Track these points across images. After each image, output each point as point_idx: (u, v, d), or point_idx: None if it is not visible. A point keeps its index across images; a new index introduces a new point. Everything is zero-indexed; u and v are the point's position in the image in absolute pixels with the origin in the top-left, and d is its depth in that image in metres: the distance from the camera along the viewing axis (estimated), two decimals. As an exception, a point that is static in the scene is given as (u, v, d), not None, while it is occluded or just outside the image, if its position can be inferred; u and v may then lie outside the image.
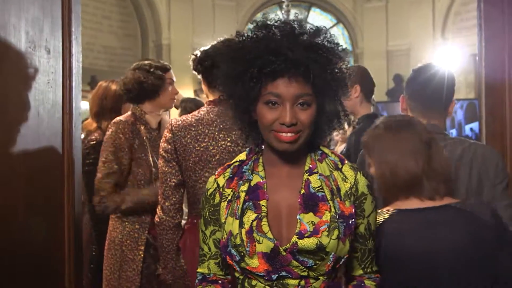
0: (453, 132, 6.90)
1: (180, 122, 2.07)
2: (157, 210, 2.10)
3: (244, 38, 1.24)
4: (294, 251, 1.20)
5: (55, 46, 1.58)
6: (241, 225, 1.24)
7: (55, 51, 1.59)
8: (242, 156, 1.35)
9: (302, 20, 1.27)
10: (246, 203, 1.26)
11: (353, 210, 1.25)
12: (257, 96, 1.22)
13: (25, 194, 1.44)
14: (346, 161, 1.31)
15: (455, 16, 10.31)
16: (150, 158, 2.46)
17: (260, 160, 1.32)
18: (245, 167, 1.32)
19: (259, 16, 12.23)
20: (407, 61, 10.10)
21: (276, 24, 1.23)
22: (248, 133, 1.32)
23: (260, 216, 1.24)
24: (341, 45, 1.27)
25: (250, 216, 1.24)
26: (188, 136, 2.03)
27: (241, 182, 1.30)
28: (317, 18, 12.54)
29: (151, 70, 2.53)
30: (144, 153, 2.46)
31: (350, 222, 1.24)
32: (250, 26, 1.26)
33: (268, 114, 1.21)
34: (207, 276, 1.38)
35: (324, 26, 1.26)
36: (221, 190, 1.31)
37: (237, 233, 1.23)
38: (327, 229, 1.21)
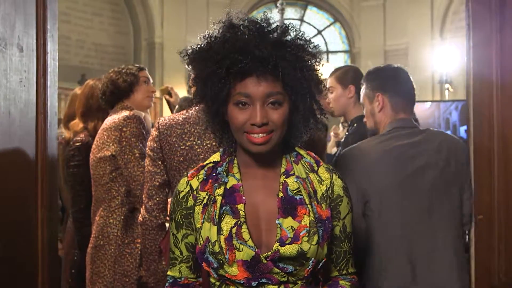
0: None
1: (167, 120, 2.04)
2: (141, 209, 2.07)
3: (211, 38, 1.21)
4: (275, 258, 1.18)
5: (28, 44, 1.53)
6: (219, 231, 1.20)
7: (29, 49, 1.54)
8: (216, 157, 1.30)
9: (271, 18, 1.23)
10: (223, 208, 1.22)
11: (329, 213, 1.23)
12: (226, 97, 1.18)
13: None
14: (322, 163, 1.29)
15: (453, 15, 10.28)
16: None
17: (235, 161, 1.28)
18: (219, 168, 1.28)
19: (254, 15, 12.21)
20: (405, 61, 10.10)
21: (243, 23, 1.20)
22: (221, 136, 1.28)
23: (239, 222, 1.20)
24: (313, 43, 1.23)
25: (228, 222, 1.20)
26: (174, 135, 2.00)
27: (216, 184, 1.25)
28: (313, 16, 12.52)
29: (124, 70, 2.55)
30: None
31: (327, 226, 1.22)
32: (215, 26, 1.22)
33: (239, 115, 1.17)
34: (178, 280, 1.34)
35: (291, 23, 1.22)
36: (194, 193, 1.27)
37: (216, 240, 1.19)
38: (307, 234, 1.18)
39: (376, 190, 1.86)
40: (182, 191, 1.28)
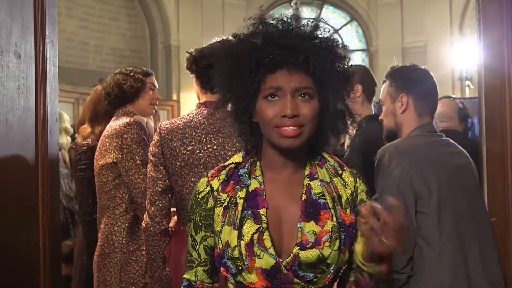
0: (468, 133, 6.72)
1: (168, 125, 2.02)
2: (144, 216, 2.06)
3: (240, 36, 1.19)
4: (295, 265, 1.14)
5: (26, 51, 1.54)
6: (240, 236, 1.15)
7: (27, 55, 1.54)
8: (238, 158, 1.25)
9: (301, 15, 1.20)
10: (245, 212, 1.17)
11: (353, 219, 1.18)
12: (256, 93, 1.15)
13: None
14: (346, 167, 1.25)
15: (473, 11, 10.00)
16: None
17: (258, 164, 1.23)
18: (241, 170, 1.23)
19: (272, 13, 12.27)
20: (423, 58, 9.94)
21: (273, 19, 1.18)
22: (249, 137, 1.23)
23: (261, 228, 1.15)
24: (342, 42, 1.20)
25: (250, 227, 1.16)
26: (175, 139, 1.98)
27: (238, 187, 1.20)
28: (330, 16, 12.42)
29: (131, 74, 2.51)
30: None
31: (351, 232, 1.18)
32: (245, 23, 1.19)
33: (269, 108, 1.14)
34: (193, 284, 1.29)
35: (322, 19, 1.20)
36: (215, 194, 1.22)
37: (236, 245, 1.15)
38: (329, 239, 1.14)
39: (430, 186, 1.81)
40: (202, 191, 1.24)
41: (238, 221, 1.16)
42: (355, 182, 1.22)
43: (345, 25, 12.42)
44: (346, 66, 1.20)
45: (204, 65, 1.98)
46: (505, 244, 1.87)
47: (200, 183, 1.25)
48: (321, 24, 1.19)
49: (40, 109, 1.58)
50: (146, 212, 2.01)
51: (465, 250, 1.82)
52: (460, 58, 10.10)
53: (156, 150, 2.00)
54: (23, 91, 1.52)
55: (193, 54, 2.04)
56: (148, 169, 2.03)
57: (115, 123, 2.40)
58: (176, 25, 10.18)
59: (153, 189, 2.00)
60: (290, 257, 1.14)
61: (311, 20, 1.19)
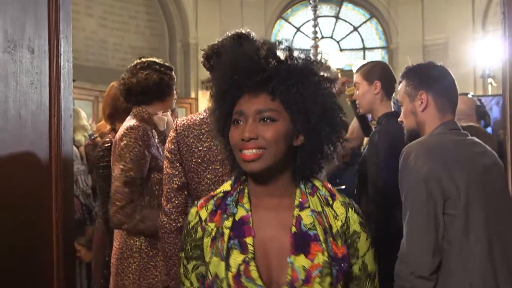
0: (489, 130, 6.57)
1: (185, 121, 2.00)
2: (160, 213, 2.04)
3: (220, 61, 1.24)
4: None
5: (40, 46, 1.52)
6: (227, 267, 1.14)
7: (40, 50, 1.53)
8: (227, 186, 1.25)
9: (269, 40, 1.22)
10: (231, 241, 1.16)
11: (345, 251, 1.15)
12: (229, 119, 1.17)
13: (7, 200, 1.39)
14: (338, 196, 1.21)
15: (496, 7, 9.85)
16: (160, 163, 2.31)
17: (246, 190, 1.21)
18: (229, 198, 1.22)
19: (289, 13, 12.08)
20: (445, 56, 9.77)
21: (243, 44, 1.26)
22: (232, 161, 1.22)
23: (247, 258, 1.13)
24: (314, 61, 1.18)
25: (236, 257, 1.14)
26: (191, 136, 1.96)
27: (225, 216, 1.19)
28: (349, 13, 12.31)
29: (162, 69, 2.42)
30: (159, 158, 2.32)
31: (342, 265, 1.14)
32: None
33: (233, 133, 1.15)
34: None
35: (285, 39, 1.20)
36: (203, 224, 1.22)
37: (223, 277, 1.14)
38: (319, 275, 1.11)
39: (458, 186, 1.74)
40: (192, 221, 1.25)
41: (224, 252, 1.15)
42: (347, 213, 1.19)
43: (364, 22, 12.30)
44: (319, 84, 1.16)
45: (214, 62, 1.95)
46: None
47: (190, 213, 1.26)
48: (285, 42, 1.18)
49: (53, 104, 1.57)
50: (162, 210, 1.99)
51: (493, 254, 1.75)
52: (482, 55, 9.91)
53: (172, 146, 1.98)
54: (36, 86, 1.51)
55: (206, 50, 2.02)
56: (164, 166, 2.01)
57: (123, 126, 2.35)
58: (194, 23, 10.20)
59: (169, 186, 1.98)
60: None
61: (273, 42, 1.19)
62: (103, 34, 9.11)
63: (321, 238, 1.14)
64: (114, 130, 2.73)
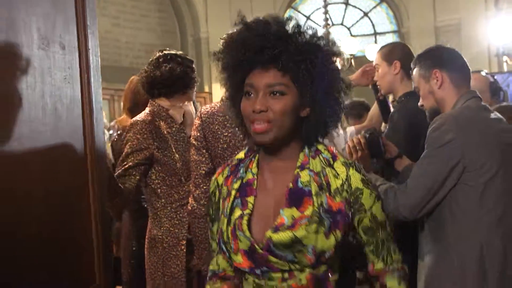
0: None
1: (209, 109, 2.06)
2: (189, 199, 2.09)
3: (227, 39, 1.34)
4: (270, 246, 1.21)
5: (70, 41, 1.57)
6: (228, 223, 1.27)
7: (70, 46, 1.57)
8: (241, 154, 1.38)
9: (284, 17, 1.27)
10: (236, 200, 1.28)
11: (343, 206, 1.25)
12: (240, 90, 1.25)
13: (47, 191, 1.44)
14: (339, 157, 1.30)
15: (510, -17, 9.77)
16: (176, 155, 2.39)
17: (257, 157, 1.33)
18: (241, 165, 1.34)
19: (298, 2, 12.01)
20: (458, 36, 9.71)
21: (253, 22, 1.26)
22: (244, 130, 1.33)
23: (243, 214, 1.25)
24: (321, 37, 1.25)
25: (236, 213, 1.27)
26: (216, 123, 2.02)
27: (235, 179, 1.32)
28: (358, -1, 12.24)
29: (185, 62, 2.46)
30: (167, 151, 2.38)
31: (337, 218, 1.23)
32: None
33: (245, 105, 1.24)
34: (217, 272, 1.41)
35: (294, 16, 1.27)
36: (220, 188, 1.35)
37: (225, 231, 1.27)
38: (307, 223, 1.20)
39: (482, 161, 1.83)
40: (212, 187, 1.38)
41: (228, 209, 1.29)
42: (347, 172, 1.28)
43: (374, 7, 12.21)
44: (326, 60, 1.24)
45: None
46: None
47: (211, 181, 1.41)
48: (294, 19, 1.25)
49: (85, 98, 1.62)
50: (191, 196, 2.05)
51: (504, 227, 1.84)
52: (496, 34, 9.80)
53: (198, 134, 2.03)
54: (69, 81, 1.55)
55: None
56: (191, 153, 2.07)
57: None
58: (204, 17, 10.25)
59: (197, 172, 2.04)
60: (264, 240, 1.23)
61: (283, 19, 1.26)
62: (116, 33, 9.21)
63: (314, 192, 1.24)
64: None
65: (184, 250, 2.37)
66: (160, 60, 2.43)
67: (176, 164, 2.37)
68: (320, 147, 1.32)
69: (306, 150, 1.29)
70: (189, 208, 2.06)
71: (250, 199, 1.27)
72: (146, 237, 2.47)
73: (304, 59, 1.21)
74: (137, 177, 2.30)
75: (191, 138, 2.09)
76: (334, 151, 1.33)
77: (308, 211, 1.23)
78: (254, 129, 1.22)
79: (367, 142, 2.02)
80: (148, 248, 2.44)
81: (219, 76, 1.32)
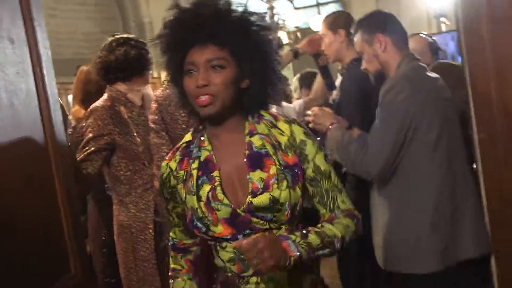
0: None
1: (164, 91, 2.09)
2: (154, 182, 2.13)
3: (165, 23, 1.35)
4: (251, 209, 1.30)
5: (18, 35, 1.57)
6: (198, 199, 1.33)
7: (19, 40, 1.57)
8: (188, 137, 1.44)
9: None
10: (201, 178, 1.35)
11: (296, 159, 1.35)
12: (182, 70, 1.31)
13: (14, 184, 1.45)
14: (280, 117, 1.40)
15: None
16: (137, 139, 2.41)
17: (205, 135, 1.40)
18: (191, 146, 1.41)
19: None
20: (397, 3, 9.89)
21: (188, 4, 1.33)
22: (189, 110, 1.38)
23: (214, 186, 1.33)
24: (252, 12, 1.33)
25: (205, 188, 1.34)
26: (173, 104, 2.05)
27: (191, 160, 1.38)
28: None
29: (138, 44, 2.47)
30: (129, 135, 2.40)
31: (296, 171, 1.34)
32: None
33: (187, 82, 1.30)
34: (176, 242, 1.54)
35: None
36: (174, 173, 1.41)
37: (197, 207, 1.33)
38: (276, 182, 1.30)
39: (431, 117, 1.97)
40: (164, 173, 1.43)
41: (194, 187, 1.35)
42: (291, 128, 1.38)
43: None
44: (259, 33, 1.32)
45: None
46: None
47: (162, 167, 1.45)
48: (230, 1, 1.31)
49: (41, 91, 1.63)
50: (156, 178, 2.09)
51: (452, 174, 2.00)
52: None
53: (156, 117, 2.06)
54: (22, 75, 1.56)
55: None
56: (151, 137, 2.10)
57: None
58: (146, 1, 10.02)
59: (158, 155, 2.07)
60: (245, 205, 1.30)
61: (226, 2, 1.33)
62: (54, 25, 8.89)
63: (271, 152, 1.33)
64: None
65: (153, 233, 2.41)
66: (113, 44, 2.43)
67: (138, 148, 2.39)
68: (262, 112, 1.40)
69: (250, 118, 1.37)
70: (155, 188, 2.10)
71: (216, 173, 1.34)
72: (114, 224, 2.50)
73: (238, 33, 1.28)
74: (99, 163, 2.31)
75: (149, 122, 2.11)
76: (274, 112, 1.42)
77: (273, 170, 1.31)
78: (198, 103, 1.28)
79: None
80: (117, 235, 2.47)
81: (160, 60, 1.38)
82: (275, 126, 1.37)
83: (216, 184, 1.33)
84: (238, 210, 1.30)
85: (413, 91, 1.97)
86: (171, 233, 1.55)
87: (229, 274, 1.37)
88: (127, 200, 2.43)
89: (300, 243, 1.25)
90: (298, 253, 1.23)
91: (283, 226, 1.33)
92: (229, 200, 1.31)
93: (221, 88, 1.27)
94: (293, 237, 1.26)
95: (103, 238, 2.79)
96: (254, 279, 1.34)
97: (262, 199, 1.29)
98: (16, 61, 1.54)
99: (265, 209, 1.30)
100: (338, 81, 3.82)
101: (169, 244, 1.57)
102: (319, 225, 1.36)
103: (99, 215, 2.82)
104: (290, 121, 1.39)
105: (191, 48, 1.29)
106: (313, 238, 1.28)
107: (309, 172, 1.37)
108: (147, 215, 2.43)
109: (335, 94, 3.12)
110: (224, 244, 1.36)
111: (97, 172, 2.33)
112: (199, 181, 1.35)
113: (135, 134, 2.40)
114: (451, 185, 2.01)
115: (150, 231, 2.42)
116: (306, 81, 4.27)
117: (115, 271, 2.58)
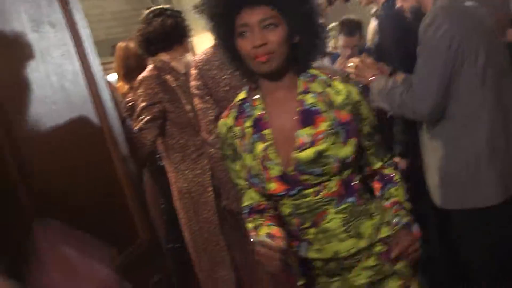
0: None
1: (202, 56, 2.10)
2: (205, 147, 2.17)
3: None
4: (299, 165, 1.33)
5: (57, 19, 1.61)
6: (254, 158, 1.38)
7: (59, 23, 1.62)
8: (242, 95, 1.48)
9: None
10: (253, 136, 1.39)
11: (350, 117, 1.37)
12: (232, 33, 1.33)
13: (74, 164, 1.52)
14: (335, 76, 1.42)
15: None
16: (186, 106, 2.46)
17: (259, 94, 1.42)
18: (245, 104, 1.45)
19: None
20: None
21: None
22: (243, 70, 1.41)
23: (266, 146, 1.37)
24: None
25: (258, 147, 1.38)
26: (214, 68, 2.06)
27: (245, 119, 1.42)
28: None
29: (174, 13, 2.50)
30: (178, 103, 2.45)
31: (349, 128, 1.36)
32: None
33: (243, 44, 1.32)
34: (253, 206, 1.50)
35: None
36: (232, 129, 1.45)
37: (253, 166, 1.38)
38: (324, 137, 1.33)
39: (477, 48, 1.91)
40: (222, 130, 1.47)
41: (249, 146, 1.39)
42: (347, 88, 1.39)
43: None
44: None
45: None
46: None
47: (219, 125, 1.49)
48: None
49: (87, 70, 1.68)
50: (206, 143, 2.13)
51: (502, 102, 1.96)
52: None
53: (198, 83, 2.08)
54: (67, 57, 1.61)
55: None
56: (195, 103, 2.13)
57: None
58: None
59: (206, 119, 2.10)
60: (293, 162, 1.34)
61: None
62: (85, 8, 8.99)
63: (323, 110, 1.36)
64: (133, 89, 2.83)
65: (213, 196, 2.47)
66: (150, 16, 2.47)
67: (188, 114, 2.44)
68: (315, 71, 1.42)
69: (302, 77, 1.40)
70: (208, 154, 2.14)
71: (267, 131, 1.38)
72: (172, 191, 2.57)
73: None
74: (157, 131, 2.37)
75: (192, 88, 2.13)
76: (328, 72, 1.44)
77: (323, 127, 1.34)
78: (258, 60, 1.31)
79: None
80: (178, 200, 2.54)
81: (206, 27, 1.39)
82: (330, 86, 1.39)
83: (268, 143, 1.37)
84: (288, 169, 1.34)
85: (454, 22, 1.90)
86: (246, 202, 1.52)
87: (291, 228, 1.42)
88: (182, 167, 2.49)
89: (408, 217, 1.40)
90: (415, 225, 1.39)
91: (334, 178, 1.37)
92: (280, 159, 1.35)
93: (277, 45, 1.30)
94: (404, 219, 1.39)
95: (162, 205, 2.88)
96: (312, 230, 1.39)
97: (307, 154, 1.33)
98: (59, 44, 1.59)
99: (312, 163, 1.33)
100: (371, 26, 3.74)
101: (244, 212, 1.52)
102: (389, 190, 1.47)
103: (155, 184, 2.90)
104: (346, 81, 1.42)
105: (241, 11, 1.31)
106: (407, 205, 1.44)
107: (366, 129, 1.42)
108: (204, 179, 2.48)
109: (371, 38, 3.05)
110: (283, 200, 1.40)
111: (154, 141, 2.38)
112: (252, 140, 1.39)
113: (184, 101, 2.44)
114: (502, 119, 1.95)
115: (210, 193, 2.48)
116: (345, 28, 4.16)
117: (178, 237, 2.67)
